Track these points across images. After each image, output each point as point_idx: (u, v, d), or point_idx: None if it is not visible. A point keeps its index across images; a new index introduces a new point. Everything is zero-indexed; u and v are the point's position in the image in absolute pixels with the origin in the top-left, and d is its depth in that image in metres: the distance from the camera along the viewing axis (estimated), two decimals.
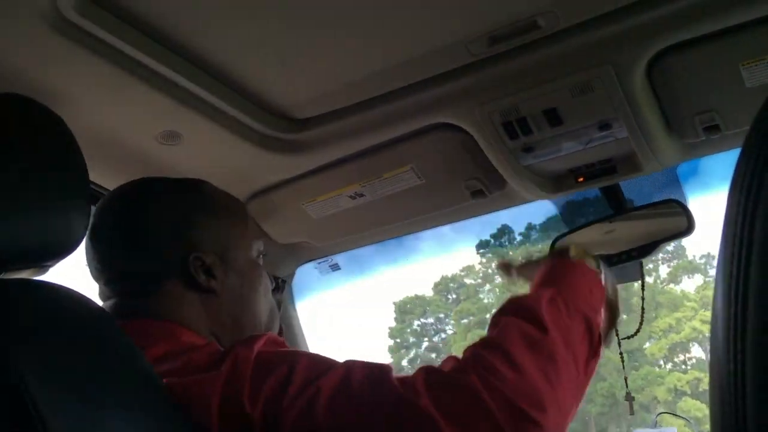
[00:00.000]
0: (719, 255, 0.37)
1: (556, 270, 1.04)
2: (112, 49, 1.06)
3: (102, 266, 1.01)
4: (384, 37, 1.13)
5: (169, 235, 1.00)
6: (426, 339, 25.12)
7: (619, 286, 1.17)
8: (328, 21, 1.07)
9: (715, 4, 1.06)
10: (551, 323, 0.89)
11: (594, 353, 0.94)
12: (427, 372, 0.83)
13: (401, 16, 1.07)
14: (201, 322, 0.99)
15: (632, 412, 1.67)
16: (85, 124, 1.21)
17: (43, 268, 0.85)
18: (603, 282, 1.06)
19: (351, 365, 0.85)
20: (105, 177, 1.39)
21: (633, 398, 1.63)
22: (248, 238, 1.08)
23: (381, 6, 1.04)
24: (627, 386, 1.68)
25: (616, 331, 1.63)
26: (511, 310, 0.94)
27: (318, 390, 0.80)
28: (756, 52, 1.12)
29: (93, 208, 1.38)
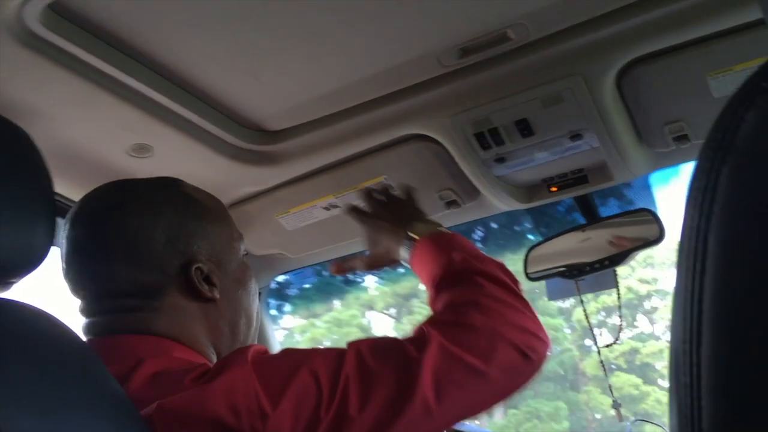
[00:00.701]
0: (677, 267, 0.38)
1: (437, 244, 1.09)
2: (80, 62, 1.04)
3: (88, 281, 0.94)
4: (356, 49, 1.13)
5: (166, 245, 0.94)
6: None
7: None
8: (300, 33, 1.07)
9: (684, 16, 1.07)
10: (490, 270, 1.00)
11: (513, 280, 1.02)
12: (433, 323, 0.91)
13: (373, 29, 1.08)
14: (201, 333, 0.96)
15: (621, 419, 1.67)
16: (54, 138, 1.19)
17: (7, 285, 0.83)
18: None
19: (358, 347, 0.86)
20: (75, 190, 1.37)
21: (620, 405, 1.63)
22: (236, 239, 1.05)
23: (353, 19, 1.04)
24: (612, 394, 1.69)
25: (594, 339, 1.65)
26: (449, 283, 1.00)
27: (346, 382, 0.81)
28: (723, 62, 1.14)
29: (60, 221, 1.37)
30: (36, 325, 0.76)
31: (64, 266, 0.96)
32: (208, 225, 1.00)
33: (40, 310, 0.78)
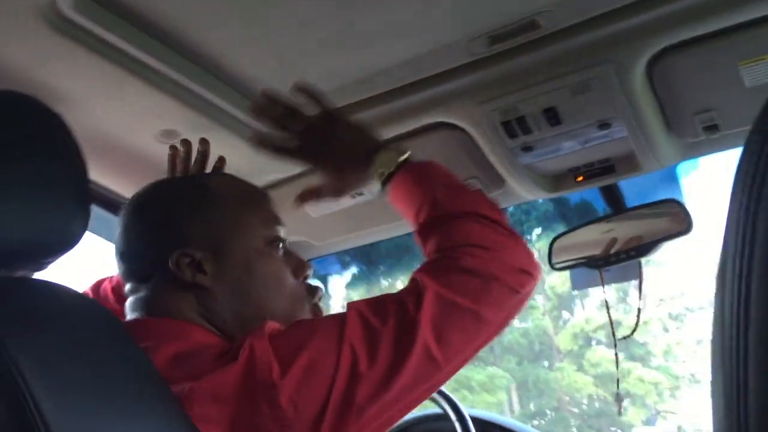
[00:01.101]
0: (722, 250, 0.37)
1: (410, 179, 1.06)
2: (111, 47, 1.06)
3: (118, 268, 1.03)
4: (384, 36, 1.13)
5: (154, 233, 0.99)
6: None
7: None
8: (327, 20, 1.07)
9: (715, 4, 1.06)
10: (477, 208, 0.99)
11: (500, 212, 1.02)
12: (427, 269, 0.92)
13: (402, 16, 1.07)
14: (201, 318, 0.97)
15: (620, 413, 1.67)
16: (84, 123, 1.21)
17: (42, 266, 0.84)
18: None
19: (358, 308, 0.87)
20: (105, 176, 1.39)
21: (623, 398, 1.63)
22: (251, 227, 1.02)
23: (381, 5, 1.04)
24: (618, 386, 1.68)
25: (613, 333, 1.64)
26: (437, 221, 1.00)
27: (351, 342, 0.82)
28: (755, 51, 1.13)
29: (94, 208, 1.39)
30: (69, 304, 0.78)
31: None
32: (214, 213, 1.00)
33: (73, 290, 0.79)
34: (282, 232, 1.06)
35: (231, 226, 1.00)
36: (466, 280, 0.90)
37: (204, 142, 1.25)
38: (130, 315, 0.99)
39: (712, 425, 0.42)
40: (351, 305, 0.88)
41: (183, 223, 0.99)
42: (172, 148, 1.26)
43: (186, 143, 1.26)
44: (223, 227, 1.00)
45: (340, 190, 1.17)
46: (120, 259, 1.02)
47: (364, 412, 0.81)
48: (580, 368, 13.49)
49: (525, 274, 0.95)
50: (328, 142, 1.12)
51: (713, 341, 0.39)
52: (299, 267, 1.06)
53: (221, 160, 1.28)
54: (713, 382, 0.39)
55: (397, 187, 1.07)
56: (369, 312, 0.87)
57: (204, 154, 1.25)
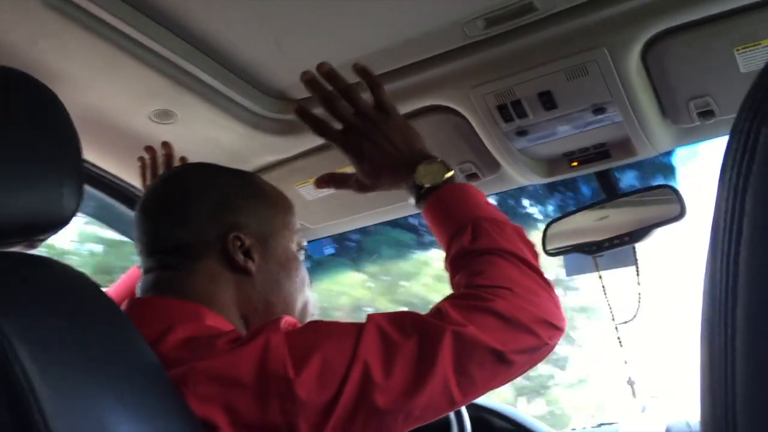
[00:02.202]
0: (712, 229, 0.38)
1: (450, 199, 1.04)
2: (106, 26, 1.05)
3: (145, 238, 1.02)
4: (380, 17, 1.12)
5: (210, 212, 1.00)
6: None
7: None
8: (324, 1, 1.07)
9: None
10: (512, 248, 0.97)
11: (535, 253, 1.01)
12: (454, 305, 0.90)
13: None
14: (232, 303, 0.99)
15: (635, 396, 1.67)
16: (79, 101, 1.20)
17: (35, 243, 0.84)
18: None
19: (378, 321, 0.86)
20: (97, 154, 1.39)
21: (635, 382, 1.64)
22: (290, 230, 1.07)
23: None
24: (628, 370, 1.69)
25: (612, 315, 1.65)
26: (471, 254, 0.97)
27: (365, 358, 0.81)
28: (751, 37, 1.12)
29: (86, 187, 1.38)
30: (67, 282, 0.78)
31: (135, 228, 1.04)
32: (261, 207, 1.04)
33: (68, 266, 0.79)
34: (305, 242, 1.11)
35: (278, 225, 1.05)
36: (494, 322, 0.88)
37: (166, 146, 1.31)
38: (149, 292, 0.98)
39: (699, 407, 0.42)
40: (371, 317, 0.87)
41: (241, 210, 1.01)
42: (140, 159, 1.32)
43: (150, 149, 1.31)
44: (272, 224, 1.04)
45: (369, 188, 1.15)
46: (158, 225, 1.01)
47: (370, 424, 0.81)
48: None
49: (553, 328, 0.93)
50: (375, 138, 1.08)
51: (702, 321, 0.39)
52: (307, 275, 1.11)
53: (183, 160, 1.35)
54: (701, 364, 0.39)
55: (437, 204, 1.05)
56: (389, 326, 0.85)
57: (169, 156, 1.32)
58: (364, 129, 1.08)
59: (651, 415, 1.92)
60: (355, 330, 0.85)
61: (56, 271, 0.78)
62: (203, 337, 0.86)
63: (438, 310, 0.89)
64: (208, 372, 0.79)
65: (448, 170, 1.06)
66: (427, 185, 1.06)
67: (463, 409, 1.61)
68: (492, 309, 0.89)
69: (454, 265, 1.00)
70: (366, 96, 1.09)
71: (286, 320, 0.88)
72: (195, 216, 0.99)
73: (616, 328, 1.60)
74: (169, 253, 0.99)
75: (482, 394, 0.89)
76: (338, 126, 1.09)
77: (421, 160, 1.07)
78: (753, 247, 0.34)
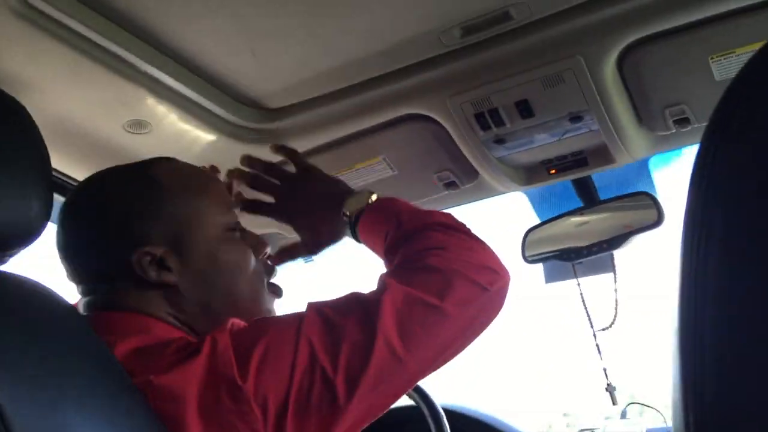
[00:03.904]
0: (682, 235, 0.38)
1: (374, 216, 1.06)
2: (76, 35, 1.03)
3: (66, 270, 0.98)
4: (357, 26, 1.12)
5: (113, 237, 0.94)
6: None
7: None
8: (299, 10, 1.06)
9: None
10: (437, 220, 1.00)
11: (462, 224, 1.02)
12: (390, 272, 0.93)
13: (374, 6, 1.06)
14: (167, 314, 0.95)
15: (615, 403, 1.67)
16: (51, 112, 1.18)
17: (4, 257, 0.83)
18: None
19: (316, 305, 0.87)
20: (71, 166, 1.36)
21: (614, 388, 1.64)
22: (207, 214, 1.00)
23: None
24: (607, 377, 1.69)
25: (591, 322, 1.65)
26: (398, 243, 0.99)
27: (309, 338, 0.81)
28: (725, 45, 1.13)
29: (58, 198, 1.36)
30: (30, 296, 0.76)
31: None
32: (168, 206, 0.97)
33: (35, 281, 0.78)
34: (237, 215, 1.06)
35: (188, 218, 0.97)
36: (428, 276, 0.90)
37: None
38: (89, 311, 0.95)
39: (672, 413, 0.42)
40: (310, 304, 0.88)
41: (140, 220, 0.95)
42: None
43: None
44: (180, 220, 0.97)
45: (315, 247, 1.17)
46: (71, 259, 0.98)
47: (328, 409, 0.80)
48: None
49: (491, 271, 0.93)
50: (302, 196, 1.14)
51: (673, 328, 0.39)
52: (258, 246, 1.06)
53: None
54: (673, 368, 0.39)
55: (364, 224, 1.07)
56: (328, 308, 0.86)
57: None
58: (290, 190, 1.15)
59: (631, 420, 1.93)
60: (296, 318, 0.85)
61: (14, 283, 0.76)
62: (153, 346, 0.85)
63: (378, 283, 0.90)
64: (163, 389, 0.78)
65: (372, 194, 1.09)
66: (352, 214, 1.08)
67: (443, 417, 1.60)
68: (425, 265, 0.91)
69: (387, 255, 1.00)
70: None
71: (233, 322, 0.86)
72: (100, 245, 0.95)
73: (595, 335, 1.60)
74: (91, 280, 0.97)
75: (434, 353, 0.89)
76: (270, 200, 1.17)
77: (346, 196, 1.10)
78: (722, 256, 0.34)
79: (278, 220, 1.17)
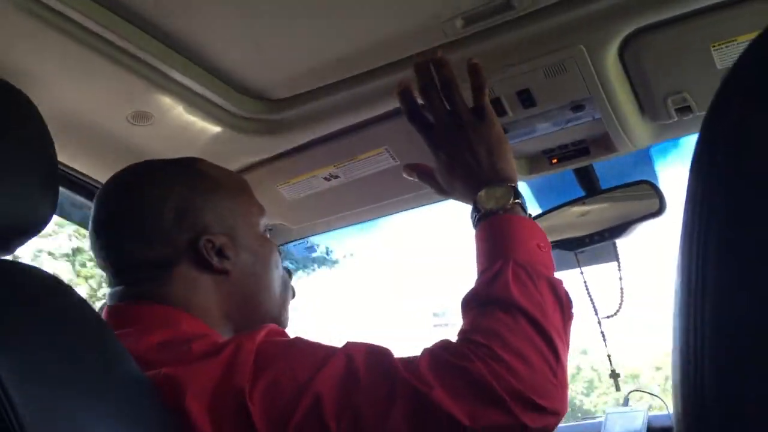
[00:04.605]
0: (681, 232, 0.38)
1: (499, 231, 0.97)
2: (81, 28, 1.04)
3: (109, 256, 1.00)
4: (359, 17, 1.12)
5: (175, 220, 0.98)
6: None
7: None
8: (302, 0, 1.06)
9: None
10: (528, 305, 0.86)
11: (568, 316, 0.91)
12: (432, 356, 0.83)
13: None
14: (213, 305, 0.98)
15: (618, 388, 1.68)
16: (53, 104, 1.19)
17: (9, 249, 0.83)
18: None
19: (351, 352, 0.83)
20: (74, 157, 1.37)
21: (618, 375, 1.64)
22: (254, 214, 1.07)
23: None
24: (611, 363, 1.70)
25: (595, 309, 1.66)
26: (483, 300, 0.90)
27: (319, 389, 0.78)
28: (727, 33, 1.13)
29: (62, 190, 1.37)
30: (44, 288, 0.77)
31: (90, 242, 1.02)
32: (221, 199, 1.03)
33: (44, 271, 0.78)
34: (267, 220, 1.10)
35: (241, 213, 1.04)
36: (464, 387, 0.80)
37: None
38: (122, 301, 0.97)
39: (672, 400, 0.42)
40: (346, 345, 0.85)
41: (200, 210, 1.00)
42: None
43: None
44: (235, 214, 1.03)
45: (444, 192, 1.11)
46: (117, 242, 0.99)
47: None
48: None
49: (534, 409, 0.80)
50: (458, 143, 1.04)
51: (674, 315, 0.39)
52: (278, 251, 1.11)
53: None
54: (673, 355, 0.39)
55: (484, 232, 0.98)
56: (360, 359, 0.82)
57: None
58: (454, 129, 1.04)
59: (633, 407, 1.94)
60: (324, 356, 0.82)
61: (33, 277, 0.77)
62: (178, 341, 0.86)
63: (414, 360, 0.83)
64: (178, 378, 0.79)
65: (515, 197, 1.00)
66: (484, 209, 0.99)
67: None
68: (466, 370, 0.80)
69: (464, 306, 0.93)
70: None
71: (270, 330, 0.87)
72: (159, 227, 0.98)
73: (599, 322, 1.61)
74: (140, 267, 0.97)
75: None
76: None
77: (493, 179, 1.01)
78: (722, 242, 0.35)
79: (426, 142, 1.08)
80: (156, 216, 0.98)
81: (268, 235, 1.09)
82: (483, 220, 0.99)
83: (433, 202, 1.68)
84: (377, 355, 0.83)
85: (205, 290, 0.98)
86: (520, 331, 0.84)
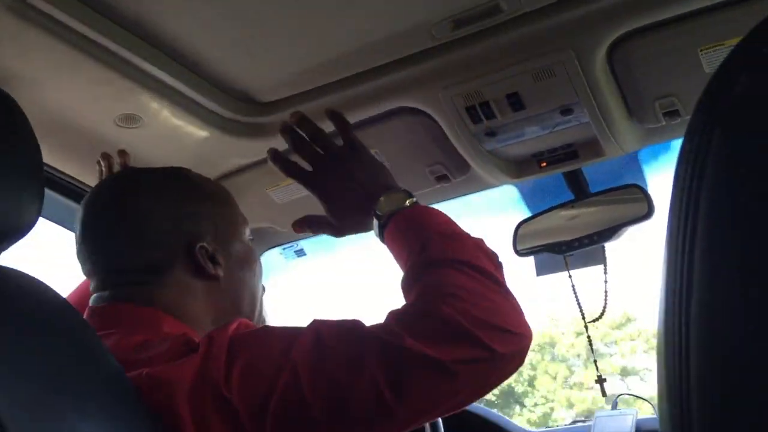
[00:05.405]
0: (668, 228, 0.38)
1: (408, 222, 1.00)
2: (68, 29, 1.03)
3: (98, 261, 1.01)
4: (348, 20, 1.12)
5: (170, 227, 1.00)
6: None
7: None
8: (290, 4, 1.06)
9: None
10: (461, 256, 0.91)
11: (497, 264, 0.95)
12: (396, 313, 0.86)
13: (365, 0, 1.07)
14: (203, 309, 1.00)
15: (604, 394, 1.68)
16: (41, 106, 1.18)
17: None
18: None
19: (319, 326, 0.84)
20: (62, 160, 1.37)
21: (604, 380, 1.65)
22: (240, 223, 1.10)
23: None
24: (597, 369, 1.70)
25: (582, 314, 1.66)
26: (418, 271, 0.92)
27: (294, 362, 0.79)
28: (715, 37, 1.14)
29: (51, 193, 1.36)
30: (25, 290, 0.76)
31: (77, 247, 1.03)
32: (213, 208, 1.05)
33: (29, 275, 0.78)
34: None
35: (231, 221, 1.08)
36: (433, 329, 0.82)
37: (123, 154, 1.29)
38: (107, 302, 0.98)
39: (657, 403, 0.42)
40: (314, 321, 0.86)
41: (198, 216, 1.03)
42: (98, 164, 1.30)
43: (106, 157, 1.29)
44: (226, 222, 1.06)
45: (339, 231, 1.12)
46: (111, 248, 1.00)
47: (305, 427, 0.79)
48: None
49: (507, 333, 0.85)
50: (340, 176, 1.07)
51: (659, 316, 0.39)
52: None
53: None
54: (658, 359, 0.39)
55: (391, 231, 1.01)
56: (327, 331, 0.83)
57: (125, 165, 1.29)
58: (330, 167, 1.08)
59: (621, 411, 1.94)
60: (293, 336, 0.83)
61: (14, 278, 0.76)
62: (155, 341, 0.87)
63: (384, 321, 0.86)
64: (159, 378, 0.79)
65: (410, 197, 1.03)
66: (383, 214, 1.02)
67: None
68: (431, 314, 0.84)
69: (404, 282, 0.95)
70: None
71: (240, 323, 0.88)
72: (154, 233, 0.99)
73: (586, 327, 1.61)
74: (130, 272, 0.99)
75: (429, 407, 0.83)
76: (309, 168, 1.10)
77: (384, 191, 1.04)
78: (707, 246, 0.35)
79: (310, 190, 1.11)
80: (150, 222, 0.99)
81: (251, 244, 1.13)
82: (389, 223, 1.01)
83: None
84: (345, 324, 0.85)
85: (197, 295, 1.00)
86: (465, 274, 0.89)
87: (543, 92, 1.24)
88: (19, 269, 0.78)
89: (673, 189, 0.37)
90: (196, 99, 1.27)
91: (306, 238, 1.87)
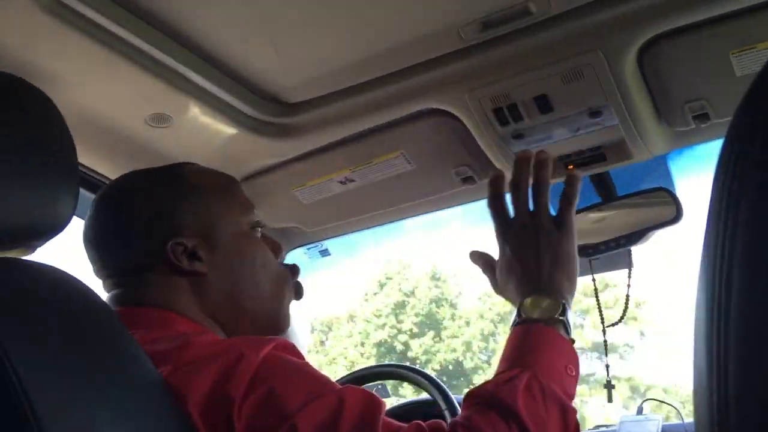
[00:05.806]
0: (705, 234, 0.38)
1: (530, 341, 0.94)
2: (102, 30, 1.05)
3: (96, 263, 1.04)
4: (376, 21, 1.12)
5: (147, 228, 1.00)
6: None
7: None
8: (320, 4, 1.07)
9: None
10: (528, 417, 0.83)
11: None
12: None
13: (394, 1, 1.07)
14: (194, 306, 0.99)
15: (610, 399, 1.67)
16: (74, 105, 1.20)
17: (30, 249, 0.84)
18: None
19: (345, 397, 0.82)
20: (93, 159, 1.38)
21: (613, 386, 1.63)
22: (234, 212, 1.06)
23: None
24: (608, 374, 1.69)
25: (601, 318, 1.65)
26: (487, 399, 0.87)
27: (296, 424, 0.78)
28: (746, 40, 1.13)
29: (82, 191, 1.38)
30: (57, 286, 0.78)
31: (87, 255, 1.06)
32: (194, 201, 1.03)
33: (63, 271, 0.79)
34: (257, 216, 1.10)
35: (216, 214, 1.04)
36: None
37: None
38: (115, 307, 0.99)
39: (693, 407, 0.42)
40: (347, 388, 0.84)
41: (172, 214, 1.01)
42: None
43: None
44: (210, 213, 1.03)
45: (498, 287, 1.06)
46: (102, 252, 1.04)
47: None
48: None
49: None
50: (528, 245, 1.00)
51: (696, 323, 0.39)
52: (275, 248, 1.11)
53: None
54: (695, 365, 0.39)
55: (518, 335, 0.95)
56: (350, 408, 0.81)
57: None
58: (526, 229, 1.01)
59: (647, 416, 1.92)
60: (320, 390, 0.82)
61: (50, 275, 0.78)
62: (173, 338, 0.88)
63: (400, 430, 0.83)
64: (173, 384, 0.80)
65: (560, 314, 0.95)
66: (525, 315, 0.96)
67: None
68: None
69: (467, 398, 0.89)
70: None
71: (278, 344, 0.87)
72: (136, 234, 1.01)
73: (604, 331, 1.60)
74: (122, 275, 1.01)
75: None
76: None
77: (544, 289, 0.97)
78: (748, 253, 0.35)
79: (497, 233, 1.04)
80: (132, 223, 1.01)
81: (257, 234, 1.08)
82: (521, 325, 0.95)
83: (448, 207, 1.68)
84: (369, 409, 0.82)
85: (183, 292, 0.99)
86: None
87: (571, 94, 1.24)
88: (53, 265, 0.80)
89: (712, 191, 0.37)
90: (225, 99, 1.28)
91: (331, 238, 1.88)
